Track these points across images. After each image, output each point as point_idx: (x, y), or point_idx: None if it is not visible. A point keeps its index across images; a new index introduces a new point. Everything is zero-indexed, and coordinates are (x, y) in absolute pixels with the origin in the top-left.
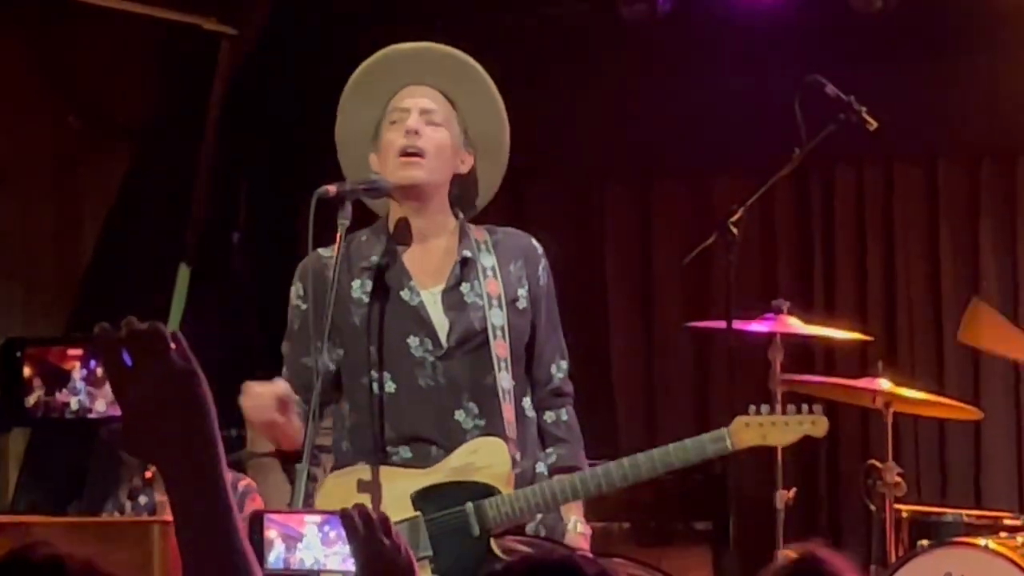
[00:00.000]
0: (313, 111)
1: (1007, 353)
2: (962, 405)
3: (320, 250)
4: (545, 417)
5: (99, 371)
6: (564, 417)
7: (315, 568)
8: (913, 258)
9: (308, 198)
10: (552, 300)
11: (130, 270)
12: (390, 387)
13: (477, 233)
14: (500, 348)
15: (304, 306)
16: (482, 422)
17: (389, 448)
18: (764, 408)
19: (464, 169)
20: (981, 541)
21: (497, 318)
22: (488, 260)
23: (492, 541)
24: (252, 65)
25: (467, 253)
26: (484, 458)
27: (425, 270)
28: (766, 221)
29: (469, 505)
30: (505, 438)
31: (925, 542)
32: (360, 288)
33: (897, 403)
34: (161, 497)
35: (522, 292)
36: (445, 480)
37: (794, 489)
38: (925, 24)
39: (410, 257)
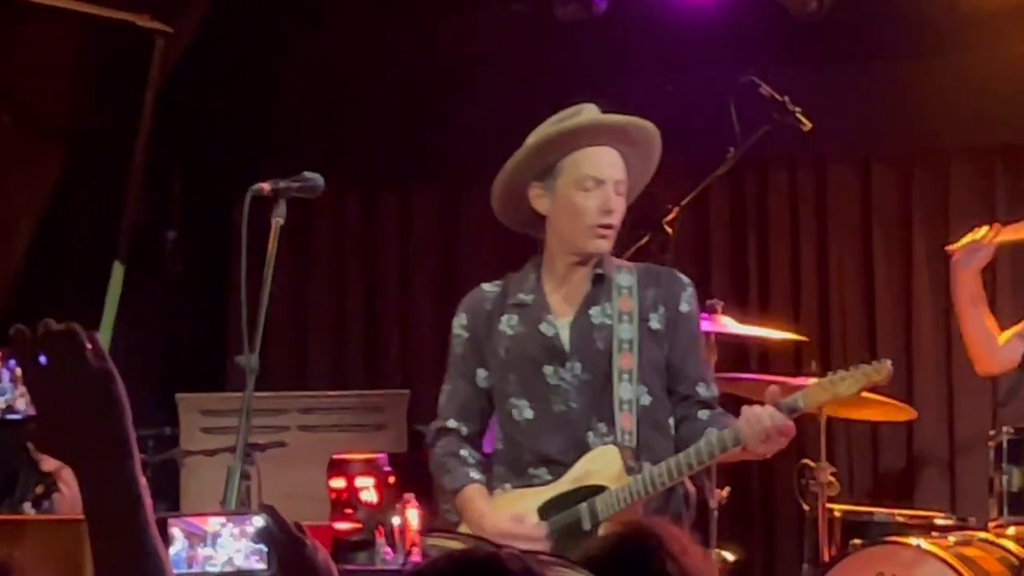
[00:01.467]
0: (248, 109)
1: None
2: (896, 404)
3: (484, 285)
4: (700, 415)
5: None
6: (707, 415)
7: (227, 567)
8: (846, 259)
9: (243, 196)
10: (696, 326)
11: (64, 269)
12: (527, 414)
13: (621, 262)
14: (625, 361)
15: (465, 335)
16: (609, 439)
17: (530, 471)
18: (839, 371)
19: None
20: (913, 541)
21: (626, 332)
22: (626, 280)
23: (600, 530)
24: (187, 63)
25: (599, 271)
26: (597, 463)
27: (564, 301)
28: (701, 221)
29: (583, 504)
30: (620, 446)
31: (857, 541)
32: (507, 322)
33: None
34: (66, 494)
35: (655, 315)
36: (565, 490)
37: (728, 488)
38: (859, 27)
39: (552, 289)
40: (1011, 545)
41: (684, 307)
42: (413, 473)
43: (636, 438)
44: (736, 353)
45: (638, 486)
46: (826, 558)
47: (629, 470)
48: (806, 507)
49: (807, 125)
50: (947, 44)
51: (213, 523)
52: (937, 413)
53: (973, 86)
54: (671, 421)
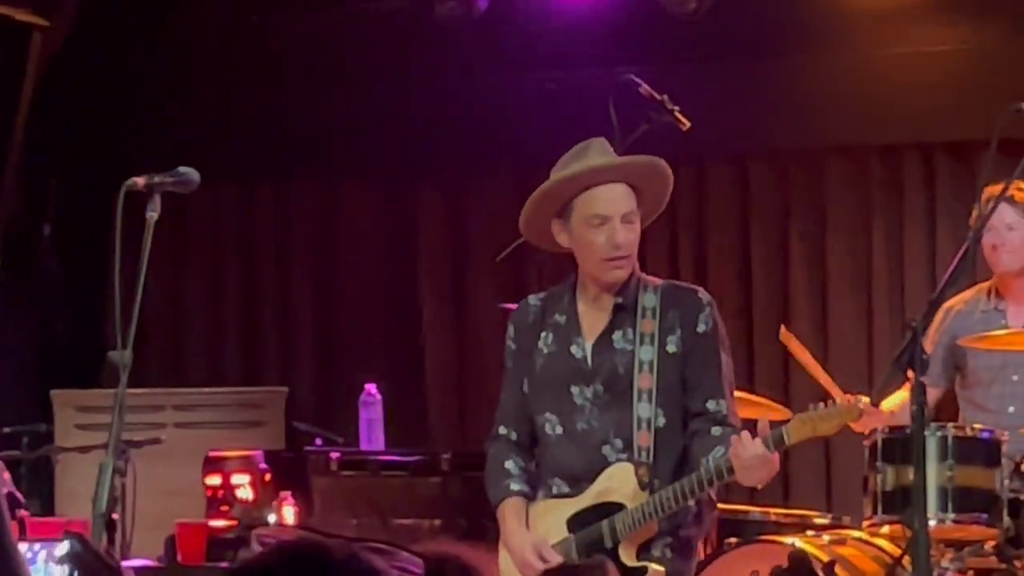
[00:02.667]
0: (124, 104)
1: (811, 373)
2: (772, 404)
3: (530, 297)
4: (712, 431)
5: None
6: (719, 432)
7: None
8: (724, 256)
9: (118, 191)
10: (714, 346)
11: None
12: (558, 430)
13: (649, 279)
14: (644, 381)
15: (514, 347)
16: (624, 455)
17: (551, 480)
18: (820, 405)
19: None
20: (788, 539)
21: (646, 354)
22: (651, 301)
23: (620, 549)
24: (64, 57)
25: (620, 300)
26: (616, 481)
27: (592, 322)
28: None
29: (604, 522)
30: (636, 463)
31: (733, 540)
32: (543, 340)
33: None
34: None
35: (672, 338)
36: (589, 504)
37: None
38: (737, 26)
39: (584, 311)
40: (885, 544)
41: (701, 327)
42: (290, 470)
43: (653, 455)
44: None
45: (650, 507)
46: (702, 556)
47: (645, 486)
48: None
49: (685, 124)
50: (824, 44)
51: (23, 548)
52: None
53: (850, 86)
54: (682, 444)
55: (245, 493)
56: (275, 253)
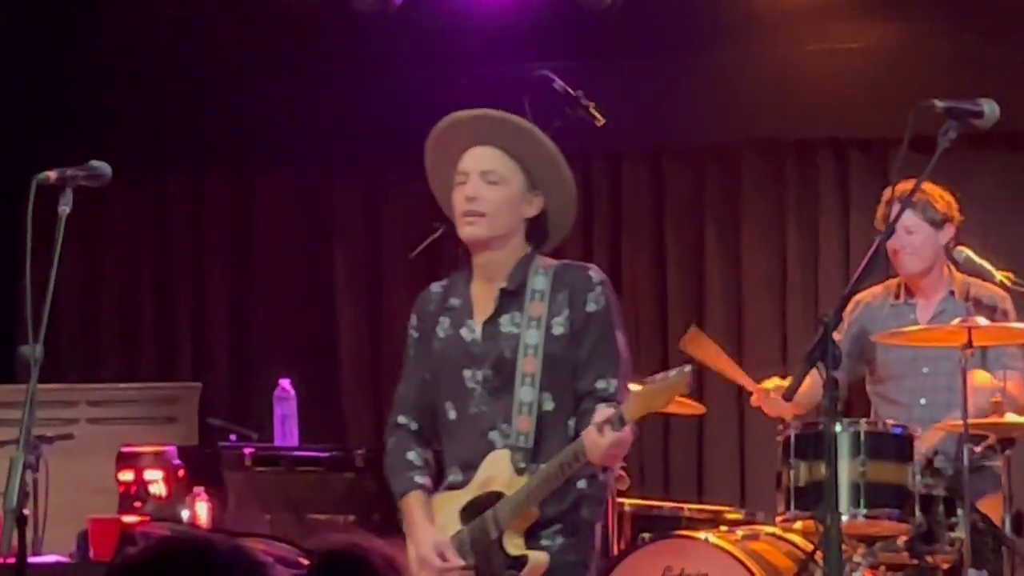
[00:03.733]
0: (37, 99)
1: (721, 371)
2: (685, 400)
3: (433, 285)
4: (596, 409)
5: None
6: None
7: None
8: (639, 252)
9: (29, 185)
10: (605, 325)
11: None
12: (452, 415)
13: (544, 261)
14: (528, 364)
15: (415, 335)
16: (509, 440)
17: (449, 469)
18: (655, 377)
19: (533, 211)
20: (701, 535)
21: (532, 338)
22: (541, 284)
23: (505, 538)
24: None
25: (505, 285)
26: (495, 468)
27: (484, 306)
28: None
29: (489, 512)
30: (513, 448)
31: (646, 535)
32: (441, 326)
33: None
34: None
35: (559, 319)
36: (475, 495)
37: None
38: (652, 22)
39: (477, 294)
40: (798, 539)
41: (591, 306)
42: (204, 466)
43: (533, 440)
44: None
45: (522, 494)
46: (616, 552)
47: (520, 471)
48: None
49: (600, 120)
50: (740, 40)
51: None
52: (727, 407)
53: (765, 82)
54: (574, 425)
55: (158, 489)
56: (190, 248)
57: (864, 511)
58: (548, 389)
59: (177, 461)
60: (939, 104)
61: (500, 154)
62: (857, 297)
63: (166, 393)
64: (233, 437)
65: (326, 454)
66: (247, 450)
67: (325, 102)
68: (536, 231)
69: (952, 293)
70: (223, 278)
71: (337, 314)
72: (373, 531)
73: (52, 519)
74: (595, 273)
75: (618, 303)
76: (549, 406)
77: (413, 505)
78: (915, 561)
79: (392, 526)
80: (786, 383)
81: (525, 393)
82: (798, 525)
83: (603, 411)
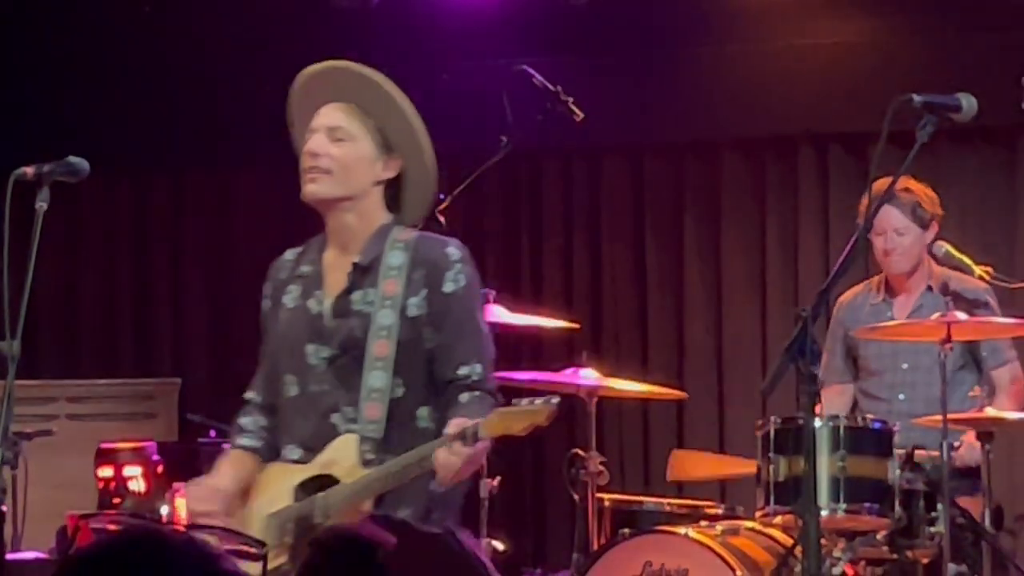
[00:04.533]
0: (14, 93)
1: (717, 476)
2: (666, 391)
3: (287, 252)
4: (460, 399)
5: None
6: (466, 398)
7: None
8: (619, 248)
9: (4, 181)
10: (466, 306)
11: None
12: (293, 391)
13: (403, 234)
14: (380, 348)
15: (267, 304)
16: (356, 426)
17: (286, 447)
18: (522, 401)
19: (389, 174)
20: (681, 530)
21: (386, 318)
22: (397, 259)
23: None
24: None
25: (358, 259)
26: (339, 453)
27: (335, 280)
28: (474, 210)
29: (319, 495)
30: (363, 436)
31: (626, 531)
32: (289, 295)
33: (602, 391)
34: None
35: (414, 300)
36: (314, 474)
37: (499, 478)
38: (632, 17)
39: (329, 266)
40: (778, 534)
41: (449, 287)
42: (183, 462)
43: (383, 429)
44: (508, 343)
45: (359, 486)
46: (596, 547)
47: (367, 463)
48: (576, 496)
49: (579, 115)
50: (720, 35)
51: None
52: (707, 402)
53: (743, 77)
54: (424, 412)
55: (137, 485)
56: (169, 244)
57: (844, 506)
58: (399, 375)
59: (156, 457)
60: (917, 99)
61: (351, 111)
62: (840, 298)
63: (145, 389)
64: (213, 433)
65: None
66: (226, 446)
67: None
68: (395, 198)
69: (930, 288)
70: (202, 273)
71: None
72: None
73: (31, 516)
74: (454, 249)
75: (479, 281)
76: (399, 392)
77: (223, 460)
78: (895, 556)
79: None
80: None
81: (376, 379)
82: (778, 520)
83: (457, 423)
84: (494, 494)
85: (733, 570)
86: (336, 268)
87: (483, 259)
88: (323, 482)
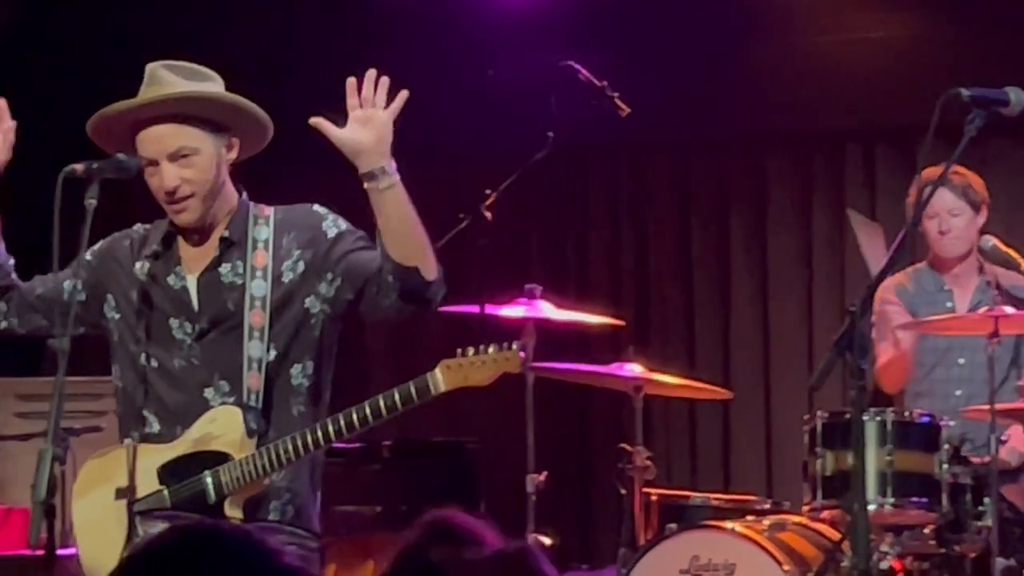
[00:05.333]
0: (66, 89)
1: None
2: (712, 387)
3: (137, 225)
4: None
5: None
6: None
7: None
8: (664, 243)
9: (56, 178)
10: (352, 237)
11: None
12: (153, 363)
13: (261, 210)
14: (256, 318)
15: (90, 259)
16: (231, 399)
17: (146, 415)
18: (470, 350)
19: (234, 155)
20: (728, 524)
21: (258, 289)
22: (263, 233)
23: (227, 505)
24: (4, 42)
25: (227, 233)
26: (220, 427)
27: (195, 255)
28: (519, 206)
29: (206, 474)
30: (245, 407)
31: (673, 525)
32: (140, 270)
33: (648, 387)
34: None
35: (288, 263)
36: (186, 452)
37: (545, 473)
38: (677, 13)
39: (185, 243)
40: (825, 528)
41: (332, 231)
42: None
43: (262, 399)
44: (554, 339)
45: (263, 459)
46: (642, 542)
47: (251, 433)
48: (623, 491)
49: (625, 110)
50: (765, 30)
51: None
52: (754, 397)
53: (789, 72)
54: (297, 369)
55: None
56: None
57: (891, 500)
58: (272, 340)
59: None
60: (965, 93)
61: (176, 126)
62: (886, 282)
63: None
64: None
65: (352, 446)
66: None
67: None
68: (237, 162)
69: (988, 283)
70: None
71: None
72: (400, 523)
73: None
74: (318, 207)
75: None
76: (272, 355)
77: None
78: (942, 550)
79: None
80: None
81: (254, 348)
82: (825, 515)
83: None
84: (541, 489)
85: (780, 564)
86: (192, 245)
87: (528, 255)
88: (201, 460)
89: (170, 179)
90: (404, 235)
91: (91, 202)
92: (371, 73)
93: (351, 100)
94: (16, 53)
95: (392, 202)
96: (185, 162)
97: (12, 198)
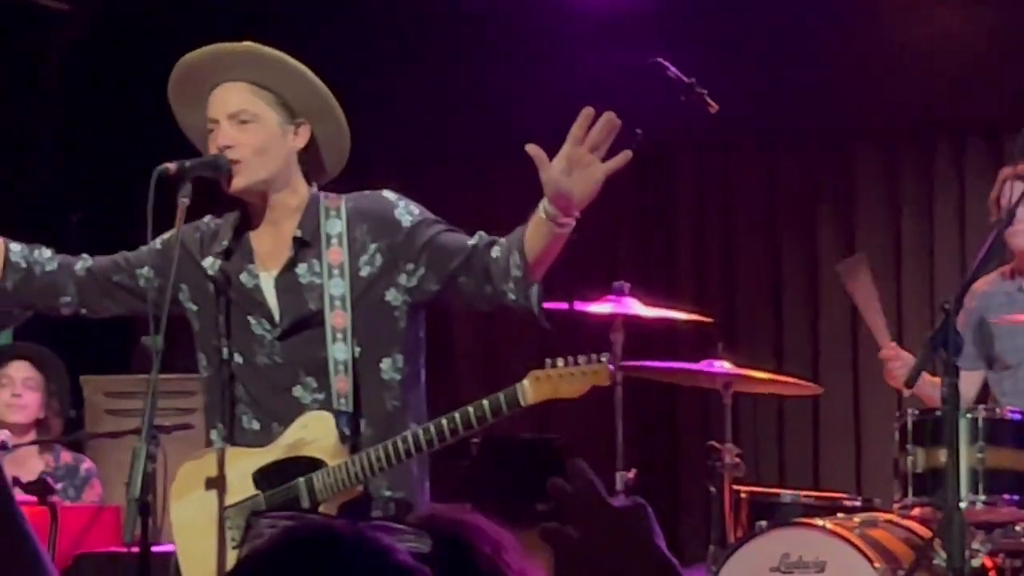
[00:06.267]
0: (153, 89)
1: (863, 311)
2: (801, 382)
3: (206, 218)
4: (491, 252)
5: None
6: (499, 251)
7: None
8: (752, 240)
9: (148, 177)
10: (430, 222)
11: None
12: (238, 359)
13: (332, 202)
14: (337, 319)
15: (159, 246)
16: (321, 396)
17: (240, 412)
18: (559, 361)
19: (301, 143)
20: (819, 522)
21: (337, 288)
22: (336, 227)
23: (320, 510)
24: (89, 42)
25: (300, 233)
26: (313, 432)
27: (268, 252)
28: (607, 203)
29: (300, 480)
30: (336, 411)
31: (763, 523)
32: (211, 266)
33: (737, 384)
34: None
35: (364, 258)
36: (281, 457)
37: (634, 470)
38: (764, 9)
39: (257, 239)
40: (915, 526)
41: (406, 220)
42: None
43: (352, 402)
44: (642, 336)
45: (356, 467)
46: (732, 540)
47: (343, 438)
48: (712, 488)
49: (714, 107)
50: (851, 25)
51: None
52: (843, 395)
53: (877, 67)
54: (387, 364)
55: None
56: None
57: (983, 497)
58: (356, 337)
59: None
60: None
61: (246, 88)
62: (974, 286)
63: None
64: None
65: None
66: None
67: (443, 96)
68: (312, 165)
69: None
70: None
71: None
72: (489, 518)
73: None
74: (388, 193)
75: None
76: (357, 353)
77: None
78: None
79: (506, 514)
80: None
81: (339, 351)
82: (916, 512)
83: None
84: (630, 486)
85: (871, 562)
86: (271, 243)
87: (616, 252)
88: (295, 466)
89: (224, 137)
90: (547, 264)
91: (184, 201)
92: (610, 115)
93: (578, 132)
94: (97, 58)
95: (559, 241)
96: (243, 127)
97: (101, 197)
